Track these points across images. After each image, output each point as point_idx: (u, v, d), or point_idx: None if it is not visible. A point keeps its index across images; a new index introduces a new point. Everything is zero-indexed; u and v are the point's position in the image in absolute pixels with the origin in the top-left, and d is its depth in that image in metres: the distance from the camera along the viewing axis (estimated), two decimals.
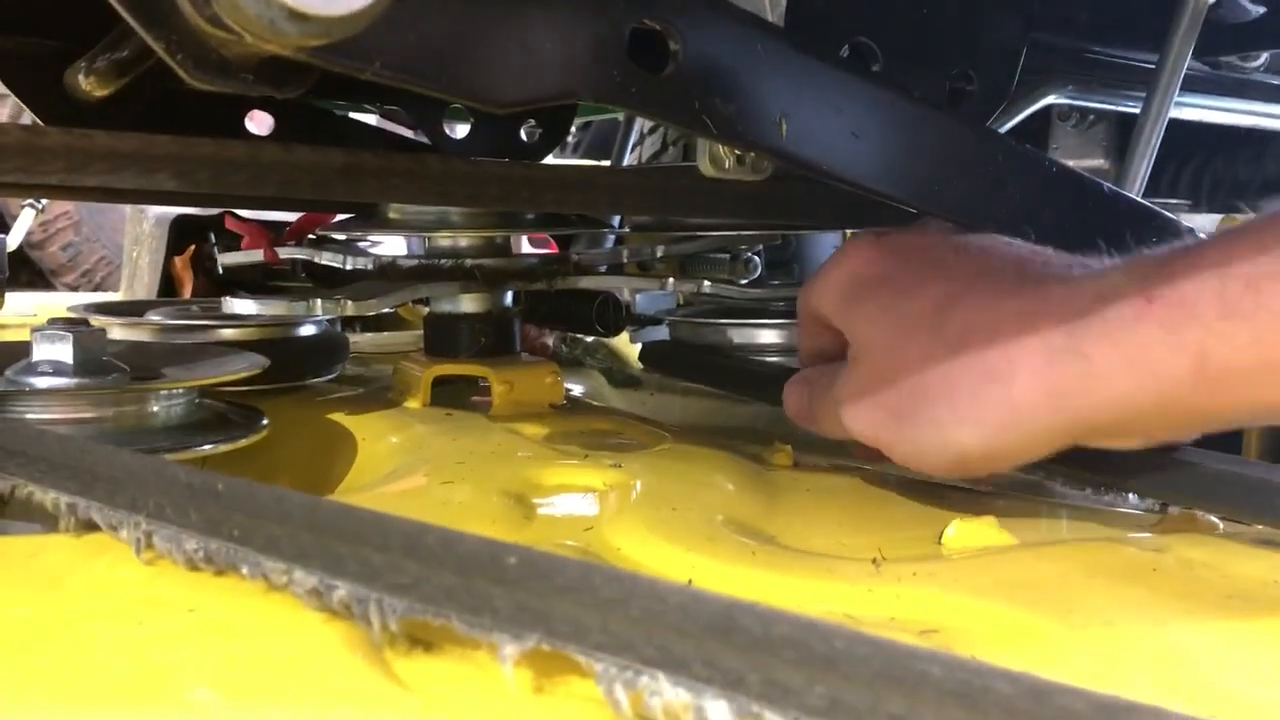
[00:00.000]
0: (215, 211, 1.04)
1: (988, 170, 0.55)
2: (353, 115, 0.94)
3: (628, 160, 1.23)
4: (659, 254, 0.86)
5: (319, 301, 0.62)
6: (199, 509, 0.37)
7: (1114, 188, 0.63)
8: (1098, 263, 0.45)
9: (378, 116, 1.00)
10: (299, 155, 0.55)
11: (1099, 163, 0.88)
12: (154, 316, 0.83)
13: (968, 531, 0.47)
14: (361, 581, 0.33)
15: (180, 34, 0.39)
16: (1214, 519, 0.50)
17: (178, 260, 1.14)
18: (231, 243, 0.99)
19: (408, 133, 0.91)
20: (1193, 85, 0.79)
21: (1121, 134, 0.86)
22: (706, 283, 0.83)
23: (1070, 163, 0.84)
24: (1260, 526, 0.49)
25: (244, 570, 0.36)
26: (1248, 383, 0.39)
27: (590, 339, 1.05)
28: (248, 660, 0.32)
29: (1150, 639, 0.36)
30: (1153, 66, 0.71)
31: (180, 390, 0.60)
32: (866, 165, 0.51)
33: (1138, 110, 0.74)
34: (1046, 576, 0.42)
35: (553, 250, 1.02)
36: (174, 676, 0.31)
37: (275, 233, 0.91)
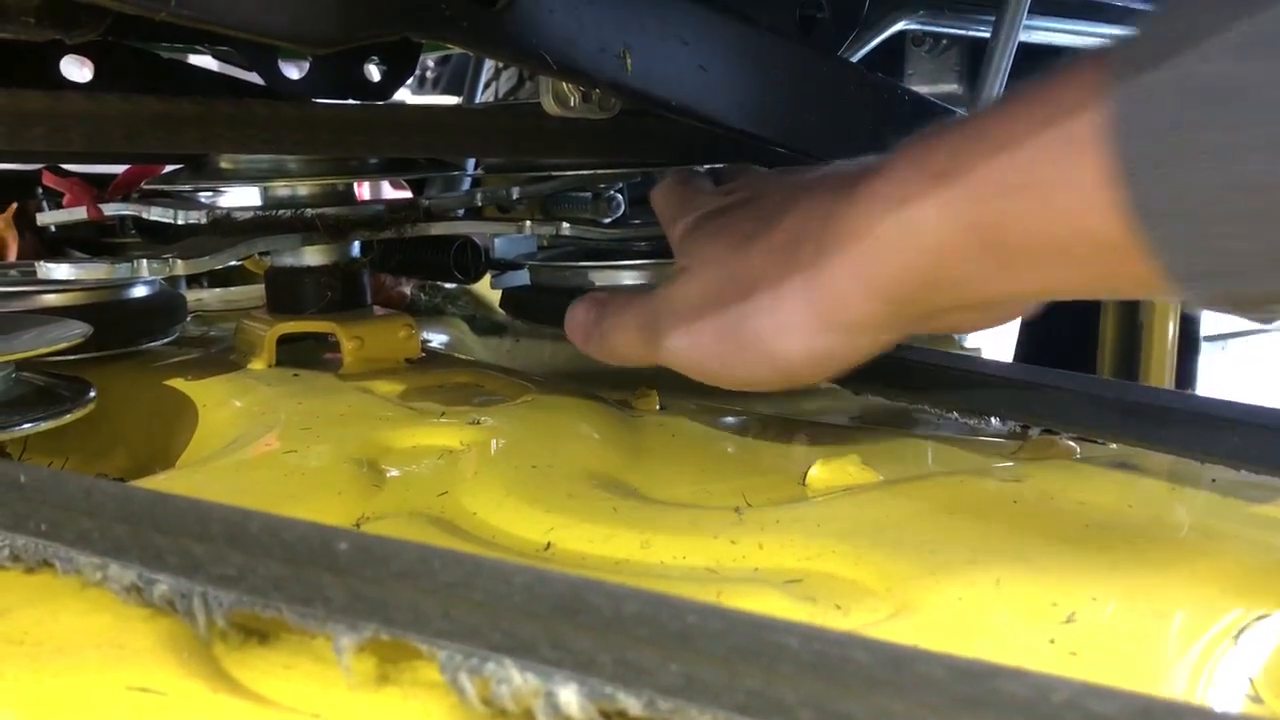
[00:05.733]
0: (40, 166, 0.96)
1: (840, 100, 0.53)
2: (192, 60, 0.88)
3: (482, 97, 1.18)
4: (515, 195, 0.83)
5: (144, 261, 0.57)
6: (1, 503, 0.34)
7: (966, 115, 0.62)
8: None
9: (218, 62, 0.93)
10: (107, 105, 0.50)
11: (953, 88, 0.88)
12: None
13: (831, 471, 0.47)
14: (183, 575, 0.31)
15: None
16: (1071, 443, 0.50)
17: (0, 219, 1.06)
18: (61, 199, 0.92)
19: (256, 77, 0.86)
20: (1042, 8, 0.79)
21: (974, 58, 0.86)
22: (565, 224, 0.80)
23: (924, 89, 0.84)
24: (1115, 446, 0.49)
25: (56, 567, 0.33)
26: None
27: (450, 286, 1.02)
28: (62, 667, 0.29)
29: (1012, 574, 0.35)
30: None
31: None
32: (716, 99, 0.49)
33: (989, 34, 0.73)
34: (909, 515, 0.42)
35: (403, 195, 0.98)
36: None
37: (103, 187, 0.85)
